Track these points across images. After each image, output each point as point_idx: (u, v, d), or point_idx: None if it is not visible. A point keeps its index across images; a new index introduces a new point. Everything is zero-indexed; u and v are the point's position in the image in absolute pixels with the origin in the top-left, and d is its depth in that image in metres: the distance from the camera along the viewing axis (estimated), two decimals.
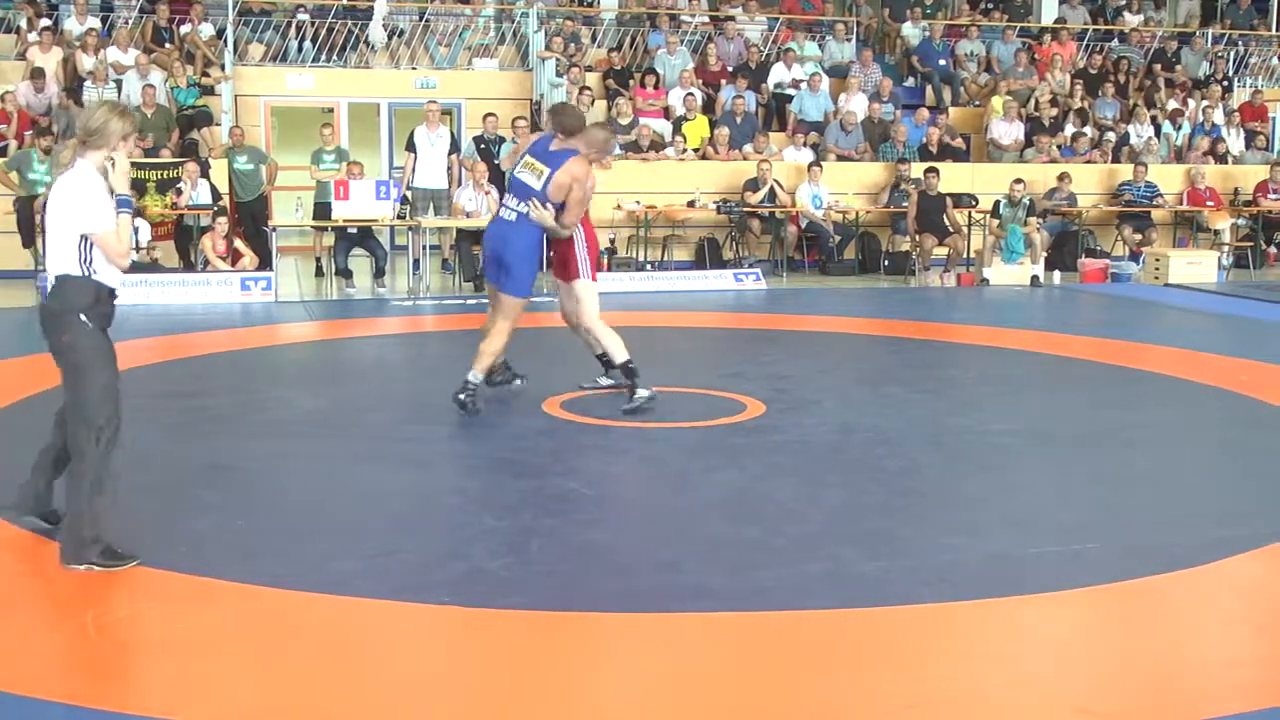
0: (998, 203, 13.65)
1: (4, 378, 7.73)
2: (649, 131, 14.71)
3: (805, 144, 15.25)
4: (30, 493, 4.55)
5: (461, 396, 6.47)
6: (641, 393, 6.66)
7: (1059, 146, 16.13)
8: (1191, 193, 15.83)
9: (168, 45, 15.36)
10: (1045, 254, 13.98)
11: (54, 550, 4.32)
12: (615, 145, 6.49)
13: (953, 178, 14.70)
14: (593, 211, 14.48)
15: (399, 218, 12.66)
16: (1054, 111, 16.68)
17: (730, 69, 16.35)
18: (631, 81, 15.87)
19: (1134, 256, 14.91)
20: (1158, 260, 14.13)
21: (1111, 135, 16.57)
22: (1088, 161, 16.02)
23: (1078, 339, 9.72)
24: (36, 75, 13.97)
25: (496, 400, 7.05)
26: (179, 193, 12.80)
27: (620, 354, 6.71)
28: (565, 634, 3.69)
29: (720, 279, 13.18)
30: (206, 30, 15.60)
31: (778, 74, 16.28)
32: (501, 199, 6.95)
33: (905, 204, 14.18)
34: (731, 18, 17.34)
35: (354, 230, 12.47)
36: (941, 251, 13.90)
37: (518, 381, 7.17)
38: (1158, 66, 18.47)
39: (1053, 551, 4.44)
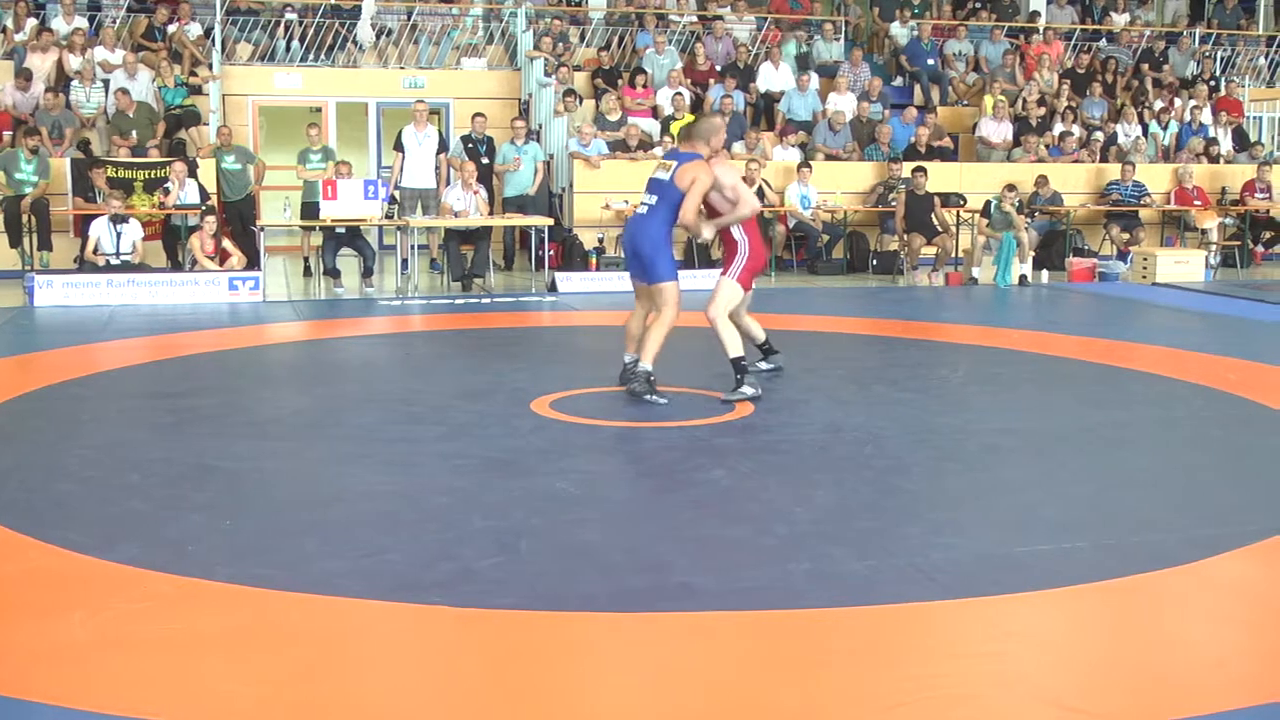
0: (988, 203, 13.67)
1: None
2: (637, 131, 14.71)
3: (793, 144, 15.26)
4: None
5: (636, 388, 6.93)
6: (745, 389, 6.99)
7: (1047, 146, 16.18)
8: (1179, 192, 15.89)
9: (158, 43, 15.33)
10: (1033, 253, 14.02)
11: (41, 549, 4.32)
12: (721, 124, 7.43)
13: (941, 177, 14.73)
14: (581, 210, 14.62)
15: (387, 217, 12.65)
16: (1041, 111, 16.72)
17: (718, 68, 16.36)
18: (620, 81, 15.89)
19: (1122, 256, 14.96)
20: (1145, 259, 14.18)
21: (1099, 135, 16.62)
22: (1075, 161, 16.07)
23: (1066, 338, 9.74)
24: (23, 75, 13.93)
25: (484, 401, 7.05)
26: (166, 192, 12.79)
27: (735, 350, 7.08)
28: (555, 634, 3.69)
29: (708, 278, 13.12)
30: (194, 29, 15.57)
31: (766, 74, 16.30)
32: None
33: (893, 203, 14.21)
34: (720, 17, 17.36)
35: (342, 230, 12.45)
36: (930, 251, 13.93)
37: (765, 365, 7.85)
38: (1145, 66, 18.53)
39: (1041, 550, 4.44)
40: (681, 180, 6.91)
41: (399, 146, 13.76)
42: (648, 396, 6.89)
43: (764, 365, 7.84)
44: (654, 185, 7.05)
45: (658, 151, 14.59)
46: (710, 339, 7.22)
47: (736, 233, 7.32)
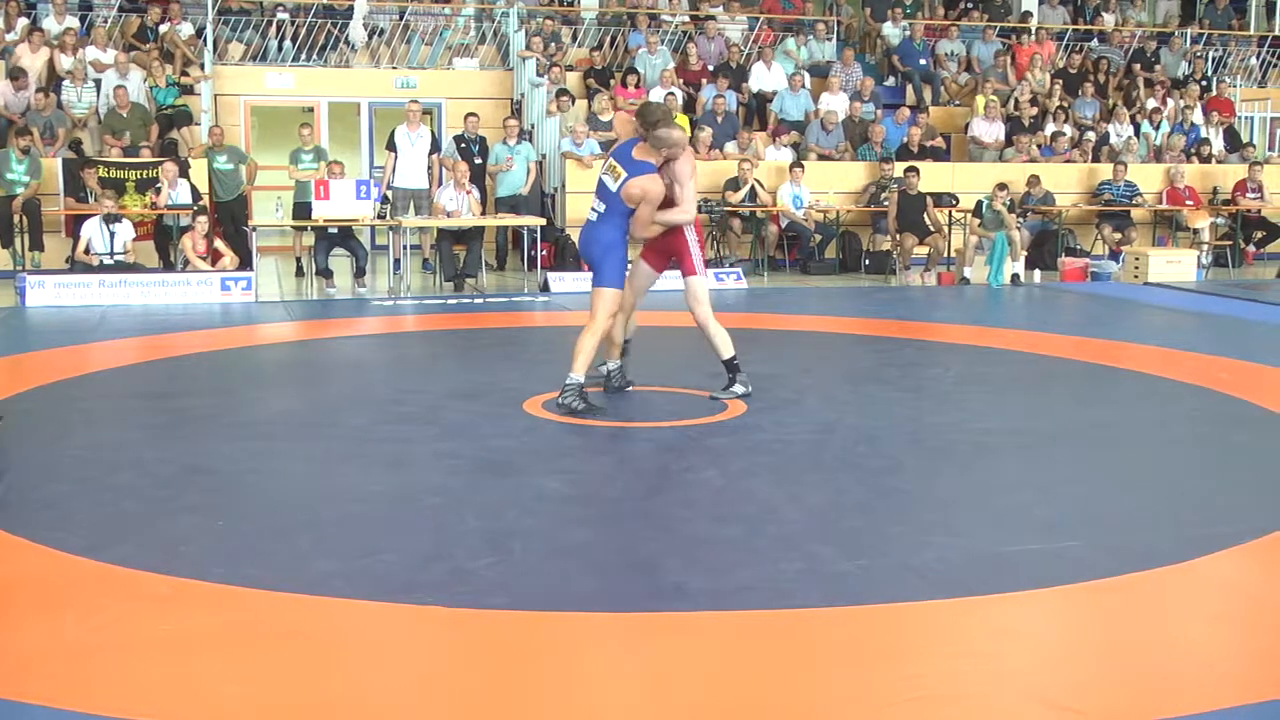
0: (980, 203, 13.69)
1: None
2: None
3: (786, 144, 15.26)
4: None
5: (561, 401, 6.57)
6: (736, 389, 6.97)
7: (1039, 146, 16.20)
8: (1171, 192, 15.92)
9: (150, 43, 15.31)
10: (1025, 253, 14.04)
11: (34, 550, 4.31)
12: (684, 140, 6.79)
13: (933, 177, 14.74)
14: (574, 210, 14.62)
15: (379, 217, 12.64)
16: (1033, 111, 16.75)
17: (711, 68, 16.37)
18: (612, 81, 15.88)
19: (1114, 255, 14.99)
20: (1137, 259, 14.20)
21: (1091, 135, 16.64)
22: (1067, 161, 16.09)
23: (1058, 338, 9.75)
24: (17, 75, 13.90)
25: (477, 401, 7.05)
26: (158, 192, 12.76)
27: (726, 351, 7.03)
28: (548, 634, 3.69)
29: None
30: (186, 29, 15.54)
31: (758, 74, 16.31)
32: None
33: (886, 203, 14.22)
34: (712, 17, 17.36)
35: (334, 230, 12.44)
36: (922, 251, 13.94)
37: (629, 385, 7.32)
38: (1137, 66, 18.56)
39: (1034, 549, 4.45)
40: (628, 197, 6.62)
41: (391, 146, 13.75)
42: (579, 407, 6.54)
43: (610, 365, 7.28)
44: (603, 191, 6.75)
45: None
46: (701, 338, 7.20)
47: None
